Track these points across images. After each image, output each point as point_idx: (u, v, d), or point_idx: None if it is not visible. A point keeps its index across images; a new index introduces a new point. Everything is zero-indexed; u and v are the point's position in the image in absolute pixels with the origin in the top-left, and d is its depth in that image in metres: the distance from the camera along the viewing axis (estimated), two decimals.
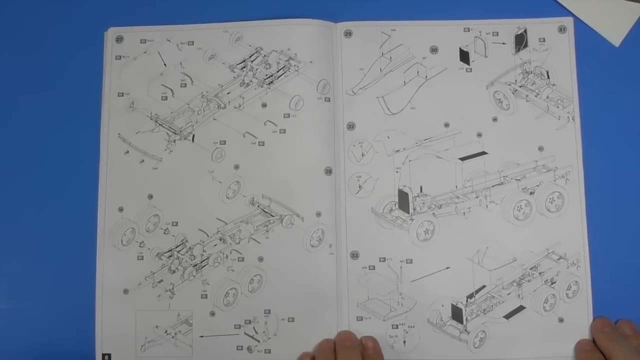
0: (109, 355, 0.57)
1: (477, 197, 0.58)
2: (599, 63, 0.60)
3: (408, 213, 0.58)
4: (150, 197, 0.59)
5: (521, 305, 0.57)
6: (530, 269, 0.57)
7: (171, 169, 0.59)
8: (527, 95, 0.59)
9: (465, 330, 0.57)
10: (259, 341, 0.57)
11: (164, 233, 0.58)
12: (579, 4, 0.61)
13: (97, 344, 0.57)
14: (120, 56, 0.61)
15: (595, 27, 0.61)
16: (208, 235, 0.58)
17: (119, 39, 0.61)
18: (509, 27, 0.60)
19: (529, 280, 0.57)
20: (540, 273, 0.57)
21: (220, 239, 0.58)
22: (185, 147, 0.59)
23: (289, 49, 0.60)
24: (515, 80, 0.59)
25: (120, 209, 0.59)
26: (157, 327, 0.57)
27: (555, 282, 0.57)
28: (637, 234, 0.59)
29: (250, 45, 0.60)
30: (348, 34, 0.60)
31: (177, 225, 0.59)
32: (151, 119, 0.60)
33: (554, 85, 0.59)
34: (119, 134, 0.60)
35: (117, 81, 0.60)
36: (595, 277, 0.57)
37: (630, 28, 0.61)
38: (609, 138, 0.59)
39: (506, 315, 0.57)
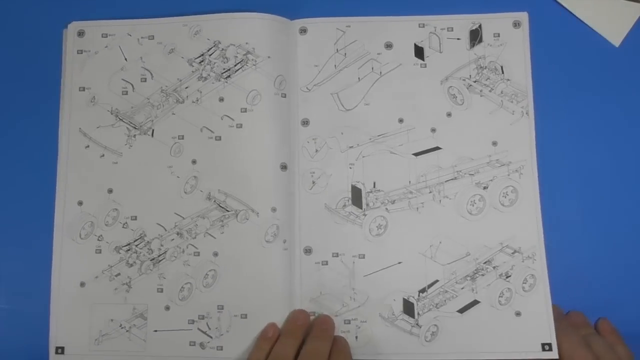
0: (62, 348, 0.57)
1: (430, 192, 0.58)
2: (599, 63, 0.61)
3: (361, 209, 0.58)
4: (110, 191, 0.59)
5: (475, 300, 0.57)
6: (484, 263, 0.58)
7: (131, 164, 0.59)
8: (481, 90, 0.59)
9: (417, 324, 0.57)
10: (211, 337, 0.57)
11: (123, 227, 0.59)
12: (578, 4, 0.61)
13: (50, 337, 0.57)
14: (81, 50, 0.61)
15: (595, 27, 0.60)
16: (166, 230, 0.59)
17: (81, 33, 0.61)
18: (463, 22, 0.60)
19: (482, 275, 0.57)
20: (494, 267, 0.57)
21: (178, 234, 0.58)
22: (145, 141, 0.60)
23: (247, 43, 0.59)
24: (470, 76, 0.59)
25: (80, 203, 0.59)
26: (112, 320, 0.58)
27: (510, 276, 0.57)
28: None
29: (208, 39, 0.60)
30: (303, 31, 0.60)
31: (136, 219, 0.59)
32: (112, 114, 0.60)
33: (508, 80, 0.59)
34: (80, 128, 0.60)
35: (78, 76, 0.61)
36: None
37: (630, 28, 0.61)
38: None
39: (460, 309, 0.57)
